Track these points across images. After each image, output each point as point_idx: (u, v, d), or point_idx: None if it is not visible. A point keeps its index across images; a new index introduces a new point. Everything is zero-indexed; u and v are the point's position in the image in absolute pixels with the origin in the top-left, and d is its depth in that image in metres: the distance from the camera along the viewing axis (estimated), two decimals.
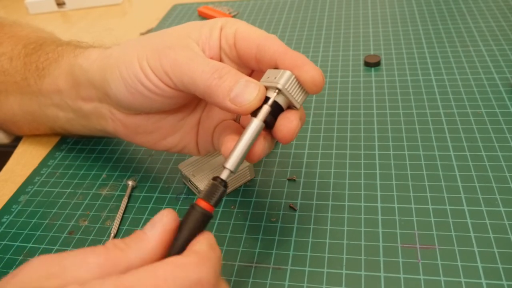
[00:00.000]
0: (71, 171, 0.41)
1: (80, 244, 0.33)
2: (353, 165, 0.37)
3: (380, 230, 0.31)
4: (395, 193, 0.34)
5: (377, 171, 0.36)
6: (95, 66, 0.32)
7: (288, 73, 0.26)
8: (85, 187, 0.38)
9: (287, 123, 0.26)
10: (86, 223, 0.35)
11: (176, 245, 0.22)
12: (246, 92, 0.26)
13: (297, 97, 0.27)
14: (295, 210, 0.34)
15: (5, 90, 0.40)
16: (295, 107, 0.27)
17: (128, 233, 0.34)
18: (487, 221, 0.31)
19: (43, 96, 0.38)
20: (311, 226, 0.32)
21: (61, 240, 0.34)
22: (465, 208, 0.32)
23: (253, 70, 0.31)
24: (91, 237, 0.34)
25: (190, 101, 0.32)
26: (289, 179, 0.36)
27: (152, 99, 0.30)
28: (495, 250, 0.29)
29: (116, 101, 0.31)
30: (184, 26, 0.31)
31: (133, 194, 0.37)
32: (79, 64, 0.34)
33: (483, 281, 0.27)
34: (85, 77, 0.33)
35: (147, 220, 0.35)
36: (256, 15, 0.66)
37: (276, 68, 0.27)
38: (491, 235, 0.30)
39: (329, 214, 0.33)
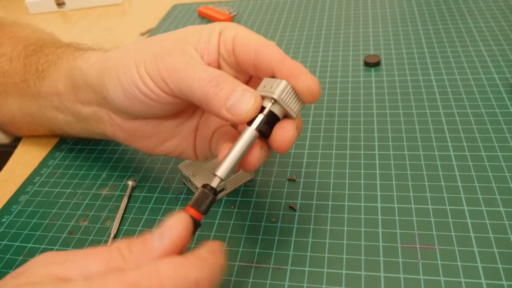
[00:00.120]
0: (71, 171, 0.41)
1: (80, 244, 0.33)
2: (353, 165, 0.37)
3: (380, 230, 0.31)
4: (395, 193, 0.34)
5: (377, 171, 0.36)
6: (94, 70, 0.32)
7: (284, 83, 0.26)
8: (85, 187, 0.38)
9: (283, 133, 0.26)
10: (86, 223, 0.35)
11: None
12: (242, 101, 0.26)
13: (293, 107, 0.27)
14: (295, 210, 0.34)
15: (4, 91, 0.40)
16: (291, 116, 0.27)
17: (128, 233, 0.34)
18: (487, 221, 0.31)
19: (43, 98, 0.38)
20: (311, 226, 0.32)
21: (61, 240, 0.34)
22: (465, 208, 0.32)
23: (251, 76, 0.31)
24: (91, 237, 0.34)
25: (188, 107, 0.32)
26: (289, 179, 0.36)
27: (150, 105, 0.30)
28: (495, 250, 0.29)
29: (114, 105, 0.31)
30: (183, 31, 0.31)
31: (133, 194, 0.37)
32: (78, 67, 0.34)
33: (483, 281, 0.27)
34: (83, 80, 0.33)
35: (147, 220, 0.35)
36: (256, 15, 0.66)
37: (273, 76, 0.27)
38: (491, 235, 0.30)
39: (329, 214, 0.33)
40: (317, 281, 0.28)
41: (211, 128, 0.32)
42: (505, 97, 0.42)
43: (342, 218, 0.32)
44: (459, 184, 0.34)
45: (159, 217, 0.35)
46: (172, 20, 0.68)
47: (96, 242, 0.33)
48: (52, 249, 0.33)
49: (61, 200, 0.37)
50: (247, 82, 0.31)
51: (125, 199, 0.36)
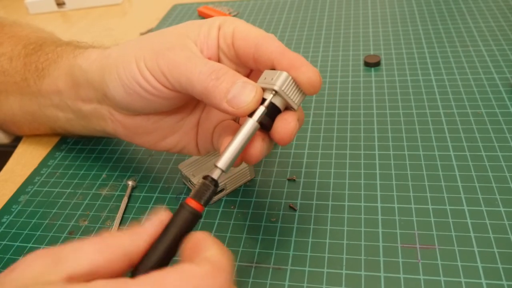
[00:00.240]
0: (71, 171, 0.41)
1: None
2: (353, 165, 0.37)
3: (380, 230, 0.31)
4: (395, 193, 0.34)
5: (377, 171, 0.36)
6: (94, 67, 0.32)
7: (284, 74, 0.26)
8: (85, 187, 0.38)
9: (285, 125, 0.26)
10: (86, 223, 0.35)
11: (165, 242, 0.22)
12: (243, 93, 0.26)
13: (294, 99, 0.27)
14: (295, 210, 0.34)
15: (5, 90, 0.40)
16: (293, 108, 0.27)
17: None
18: (487, 221, 0.31)
19: (43, 97, 0.38)
20: (311, 226, 0.32)
21: (61, 240, 0.34)
22: (465, 208, 0.32)
23: (252, 69, 0.31)
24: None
25: (189, 102, 0.32)
26: (289, 179, 0.36)
27: (150, 100, 0.30)
28: (495, 250, 0.29)
29: (114, 102, 0.31)
30: (182, 26, 0.31)
31: (133, 194, 0.37)
32: (78, 65, 0.34)
33: (483, 281, 0.27)
34: (84, 78, 0.33)
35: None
36: (256, 15, 0.66)
37: (273, 68, 0.27)
38: (491, 235, 0.30)
39: (329, 214, 0.33)
40: (317, 281, 0.28)
41: (213, 122, 0.32)
42: (505, 97, 0.42)
43: (342, 218, 0.32)
44: (459, 184, 0.34)
45: None
46: (172, 20, 0.68)
47: None
48: None
49: (61, 200, 0.37)
50: (247, 76, 0.31)
51: (125, 199, 0.36)
